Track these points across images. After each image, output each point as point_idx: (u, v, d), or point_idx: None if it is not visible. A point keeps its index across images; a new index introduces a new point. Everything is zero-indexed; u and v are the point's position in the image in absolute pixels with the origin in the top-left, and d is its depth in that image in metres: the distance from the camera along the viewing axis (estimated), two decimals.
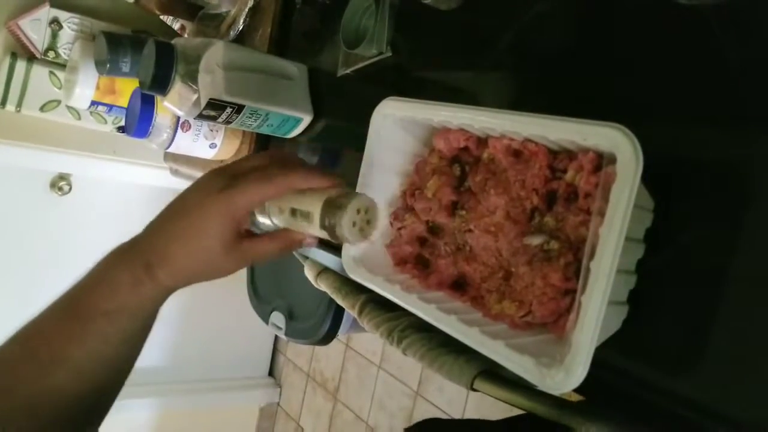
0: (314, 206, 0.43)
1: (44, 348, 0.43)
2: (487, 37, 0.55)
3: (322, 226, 0.42)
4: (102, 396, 0.47)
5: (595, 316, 0.33)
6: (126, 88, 1.12)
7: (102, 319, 0.43)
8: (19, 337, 0.44)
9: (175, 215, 0.45)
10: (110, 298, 0.43)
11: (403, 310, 0.46)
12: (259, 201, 0.44)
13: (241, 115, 0.72)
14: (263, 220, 0.49)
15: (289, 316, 1.39)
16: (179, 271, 0.44)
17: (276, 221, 0.47)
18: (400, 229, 0.50)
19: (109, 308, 0.43)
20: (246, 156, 0.48)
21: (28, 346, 0.44)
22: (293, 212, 0.45)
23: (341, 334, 1.35)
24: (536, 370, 0.35)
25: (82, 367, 0.43)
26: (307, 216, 0.43)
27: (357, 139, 0.50)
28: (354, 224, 0.42)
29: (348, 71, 0.71)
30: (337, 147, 0.80)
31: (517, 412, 0.46)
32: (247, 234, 0.46)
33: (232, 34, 0.90)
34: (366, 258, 0.50)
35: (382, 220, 0.45)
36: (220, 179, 0.44)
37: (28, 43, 1.15)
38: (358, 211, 0.42)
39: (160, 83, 0.69)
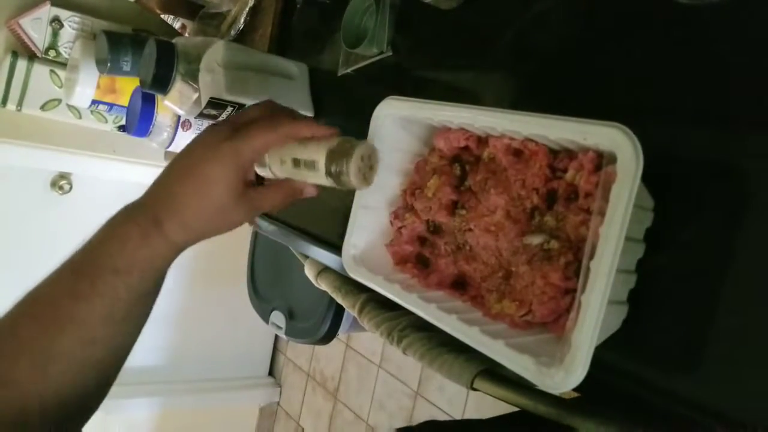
0: (318, 155, 0.44)
1: (49, 308, 0.41)
2: (487, 37, 0.55)
3: (328, 173, 0.43)
4: (102, 380, 0.45)
5: (595, 315, 0.33)
6: (127, 87, 1.12)
7: (111, 277, 0.41)
8: (24, 302, 0.42)
9: (180, 168, 0.44)
10: (119, 255, 0.42)
11: (404, 310, 0.46)
12: (263, 149, 0.44)
13: None
14: (262, 172, 0.49)
15: (289, 316, 1.39)
16: (189, 224, 0.43)
17: (277, 172, 0.48)
18: (400, 228, 0.50)
19: (118, 265, 0.41)
20: (245, 109, 0.48)
21: (31, 310, 0.42)
22: (296, 162, 0.46)
23: (341, 333, 1.35)
24: (536, 370, 0.35)
25: (90, 330, 0.41)
26: (311, 165, 0.44)
27: (357, 139, 0.50)
28: (359, 170, 0.44)
29: (348, 71, 0.71)
30: None
31: (516, 410, 0.46)
32: (252, 185, 0.46)
33: (233, 33, 0.90)
34: (366, 257, 0.50)
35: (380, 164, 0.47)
36: (223, 130, 0.44)
37: (29, 42, 1.15)
38: (362, 158, 0.44)
39: (160, 82, 0.69)
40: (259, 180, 0.50)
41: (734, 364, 0.35)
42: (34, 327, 0.41)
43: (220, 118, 0.72)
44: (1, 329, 0.42)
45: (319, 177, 0.45)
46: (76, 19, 1.16)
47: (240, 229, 0.48)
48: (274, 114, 0.46)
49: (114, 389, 0.48)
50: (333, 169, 0.43)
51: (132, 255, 0.42)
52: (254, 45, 0.88)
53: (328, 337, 1.33)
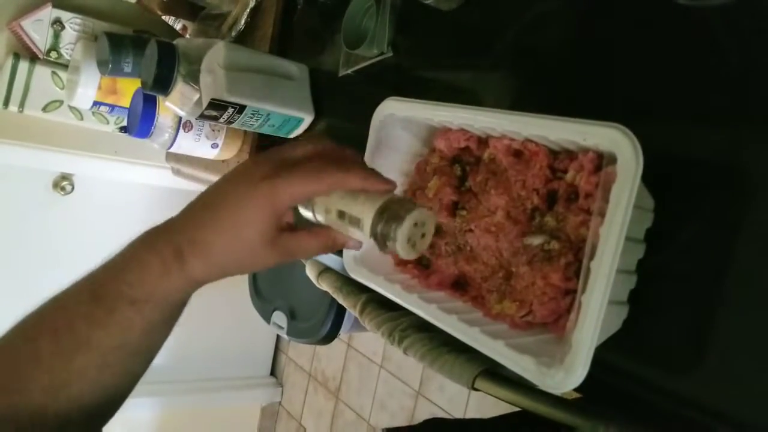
0: (365, 213, 0.39)
1: (67, 328, 0.41)
2: (487, 37, 0.55)
3: (373, 234, 0.39)
4: (116, 398, 0.45)
5: (595, 315, 0.33)
6: (128, 88, 1.12)
7: (128, 307, 0.41)
8: (46, 313, 0.42)
9: (212, 201, 0.42)
10: (136, 286, 0.41)
11: (404, 310, 0.46)
12: (304, 197, 0.41)
13: (242, 115, 0.72)
14: (305, 212, 0.45)
15: (291, 316, 1.39)
16: (212, 262, 0.41)
17: (320, 218, 0.44)
18: None
19: (135, 296, 0.41)
20: (299, 141, 0.42)
21: (51, 325, 0.41)
22: (341, 215, 0.41)
23: (342, 333, 1.35)
24: (536, 370, 0.35)
25: (105, 354, 0.41)
26: (356, 222, 0.40)
27: (358, 139, 0.50)
28: (408, 238, 0.38)
29: (349, 71, 0.71)
30: None
31: (517, 410, 0.46)
32: (288, 227, 0.43)
33: (234, 34, 0.90)
34: (367, 257, 0.50)
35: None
36: (266, 166, 0.40)
37: (30, 44, 1.15)
38: (415, 224, 0.38)
39: (162, 83, 0.69)
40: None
41: (734, 364, 0.35)
42: (54, 344, 0.41)
43: (221, 119, 0.72)
44: (20, 333, 0.42)
45: (362, 235, 0.40)
46: (78, 20, 1.17)
47: None
48: (323, 158, 0.42)
49: None
50: (379, 230, 0.38)
51: (150, 286, 0.41)
52: (255, 46, 0.89)
53: (330, 337, 1.33)
